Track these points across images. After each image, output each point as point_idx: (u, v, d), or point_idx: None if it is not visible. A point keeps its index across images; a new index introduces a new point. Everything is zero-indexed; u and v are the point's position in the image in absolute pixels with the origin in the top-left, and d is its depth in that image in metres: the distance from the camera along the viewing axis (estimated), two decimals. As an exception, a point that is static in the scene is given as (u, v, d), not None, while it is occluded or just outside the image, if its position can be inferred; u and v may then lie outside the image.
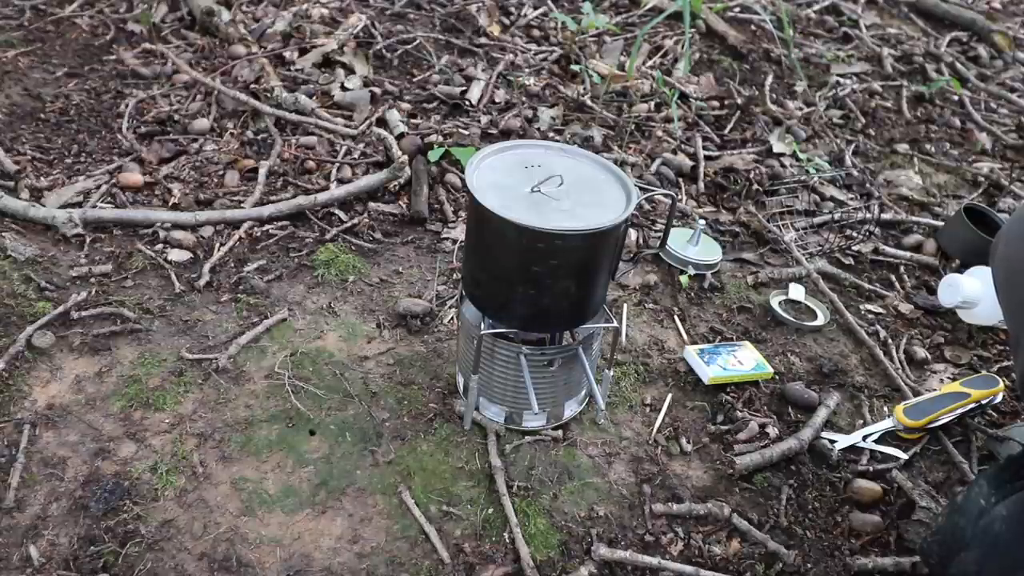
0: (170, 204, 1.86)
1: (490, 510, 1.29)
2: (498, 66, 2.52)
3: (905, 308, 1.86)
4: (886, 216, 2.15)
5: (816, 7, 3.39)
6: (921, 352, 1.73)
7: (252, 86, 2.25)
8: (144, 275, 1.67)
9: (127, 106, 2.16)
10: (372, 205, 1.93)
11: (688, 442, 1.45)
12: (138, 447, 1.32)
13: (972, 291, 1.64)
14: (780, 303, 1.81)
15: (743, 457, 1.41)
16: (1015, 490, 1.13)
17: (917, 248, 2.07)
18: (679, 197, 2.11)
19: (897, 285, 1.94)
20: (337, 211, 1.90)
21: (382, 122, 2.18)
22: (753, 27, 3.13)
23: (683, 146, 2.30)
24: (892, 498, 1.40)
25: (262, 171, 1.96)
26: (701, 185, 2.17)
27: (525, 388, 1.31)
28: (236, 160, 2.02)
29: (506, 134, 2.22)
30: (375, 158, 2.06)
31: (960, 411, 1.51)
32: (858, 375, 1.66)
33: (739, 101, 2.55)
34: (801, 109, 2.61)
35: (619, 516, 1.31)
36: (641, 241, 1.95)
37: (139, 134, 2.08)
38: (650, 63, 2.73)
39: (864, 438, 1.49)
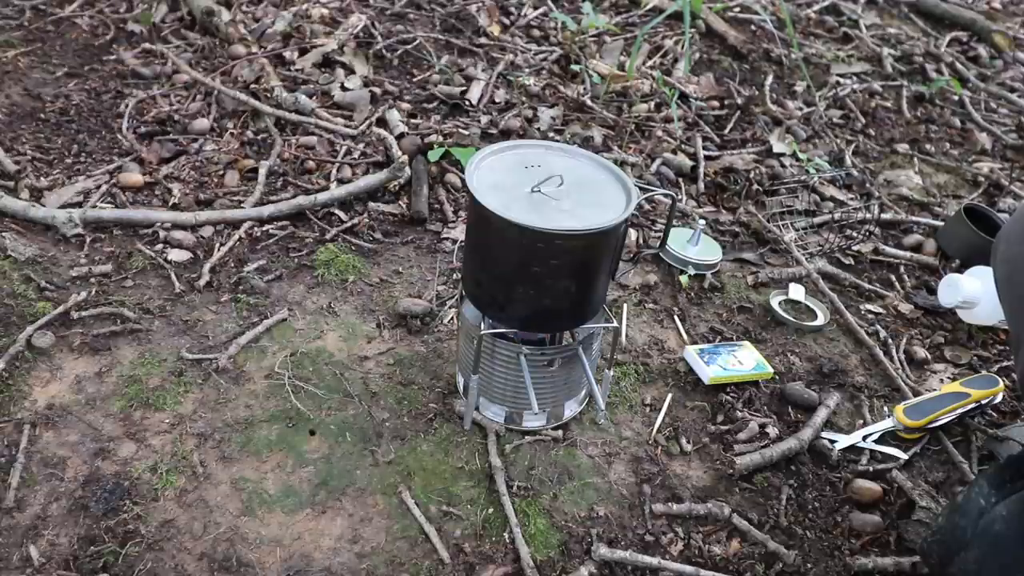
0: (170, 204, 1.86)
1: (490, 510, 1.29)
2: (498, 66, 2.52)
3: (905, 308, 1.86)
4: (886, 216, 2.15)
5: (816, 7, 3.39)
6: (921, 352, 1.73)
7: (252, 86, 2.25)
8: (144, 275, 1.67)
9: (127, 106, 2.16)
10: (372, 205, 1.93)
11: (688, 442, 1.45)
12: (138, 447, 1.32)
13: (972, 291, 1.64)
14: (780, 303, 1.81)
15: (743, 457, 1.41)
16: (1015, 490, 1.12)
17: (917, 248, 2.07)
18: (679, 197, 2.11)
19: (897, 285, 1.94)
20: (337, 211, 1.90)
21: (382, 122, 2.18)
22: (753, 27, 3.13)
23: (683, 146, 2.30)
24: (892, 498, 1.40)
25: (262, 171, 1.96)
26: (701, 185, 2.17)
27: (525, 388, 1.31)
28: (236, 160, 2.02)
29: (506, 134, 2.22)
30: (375, 158, 2.06)
31: (960, 411, 1.51)
32: (858, 375, 1.66)
33: (739, 101, 2.55)
34: (801, 109, 2.61)
35: (619, 516, 1.31)
36: (641, 241, 1.95)
37: (139, 134, 2.08)
38: (650, 63, 2.73)
39: (864, 438, 1.49)
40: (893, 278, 1.96)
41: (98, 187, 1.88)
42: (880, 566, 1.27)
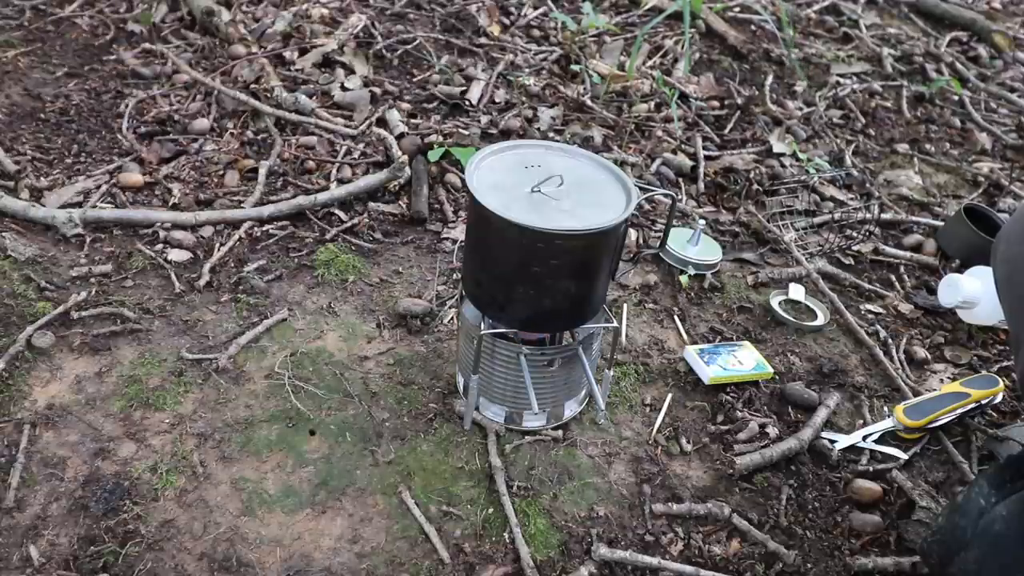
0: (170, 204, 1.86)
1: (490, 510, 1.29)
2: (498, 66, 2.52)
3: (905, 308, 1.86)
4: (886, 216, 2.15)
5: (816, 7, 3.39)
6: (921, 352, 1.73)
7: (252, 86, 2.25)
8: (144, 275, 1.67)
9: (127, 106, 2.16)
10: (372, 205, 1.93)
11: (688, 442, 1.45)
12: (138, 447, 1.32)
13: (972, 291, 1.64)
14: (780, 303, 1.81)
15: (743, 457, 1.41)
16: (1015, 490, 1.12)
17: (917, 248, 2.07)
18: (679, 197, 2.11)
19: (897, 285, 1.94)
20: (337, 211, 1.90)
21: (382, 122, 2.18)
22: (753, 27, 3.13)
23: (683, 146, 2.30)
24: (892, 498, 1.40)
25: (262, 171, 1.96)
26: (701, 185, 2.17)
27: (525, 388, 1.31)
28: (236, 160, 2.02)
29: (506, 134, 2.22)
30: (375, 158, 2.06)
31: (960, 411, 1.51)
32: (858, 375, 1.66)
33: (739, 101, 2.55)
34: (801, 109, 2.61)
35: (619, 516, 1.31)
36: (641, 241, 1.95)
37: (139, 134, 2.08)
38: (650, 63, 2.73)
39: (864, 438, 1.49)
40: (893, 278, 1.96)
41: (98, 187, 1.88)
42: (880, 566, 1.27)
